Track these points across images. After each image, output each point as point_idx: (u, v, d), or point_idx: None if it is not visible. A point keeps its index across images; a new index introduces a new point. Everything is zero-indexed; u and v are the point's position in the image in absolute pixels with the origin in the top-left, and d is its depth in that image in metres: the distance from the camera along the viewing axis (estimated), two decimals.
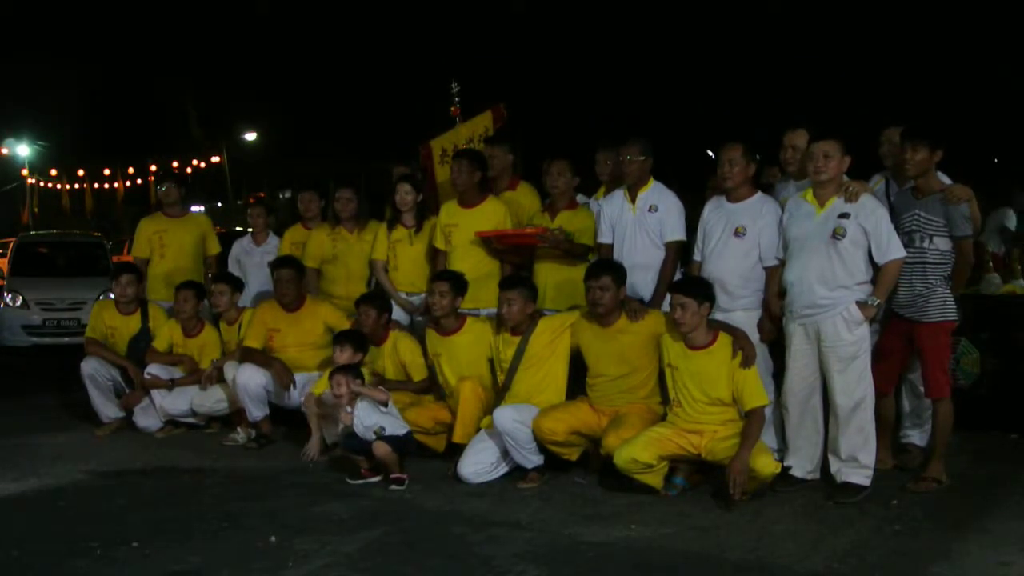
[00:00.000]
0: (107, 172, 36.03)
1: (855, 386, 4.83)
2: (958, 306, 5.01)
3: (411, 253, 6.45)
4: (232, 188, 37.14)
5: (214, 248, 7.62)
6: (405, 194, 6.41)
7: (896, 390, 5.42)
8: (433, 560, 4.08)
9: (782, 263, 5.11)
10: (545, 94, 19.27)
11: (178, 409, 6.62)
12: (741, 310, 5.22)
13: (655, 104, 19.01)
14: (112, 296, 7.19)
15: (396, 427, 5.28)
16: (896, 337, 5.10)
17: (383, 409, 5.27)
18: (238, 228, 17.28)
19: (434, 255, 6.31)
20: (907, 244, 4.90)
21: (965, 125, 15.16)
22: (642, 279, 5.55)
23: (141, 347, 6.81)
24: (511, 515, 4.68)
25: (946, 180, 5.14)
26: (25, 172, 34.29)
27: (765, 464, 4.65)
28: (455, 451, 5.47)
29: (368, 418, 5.25)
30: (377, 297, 6.15)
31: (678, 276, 5.54)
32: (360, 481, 5.29)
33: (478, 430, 5.41)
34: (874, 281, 4.86)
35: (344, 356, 5.54)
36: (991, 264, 6.57)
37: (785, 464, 4.98)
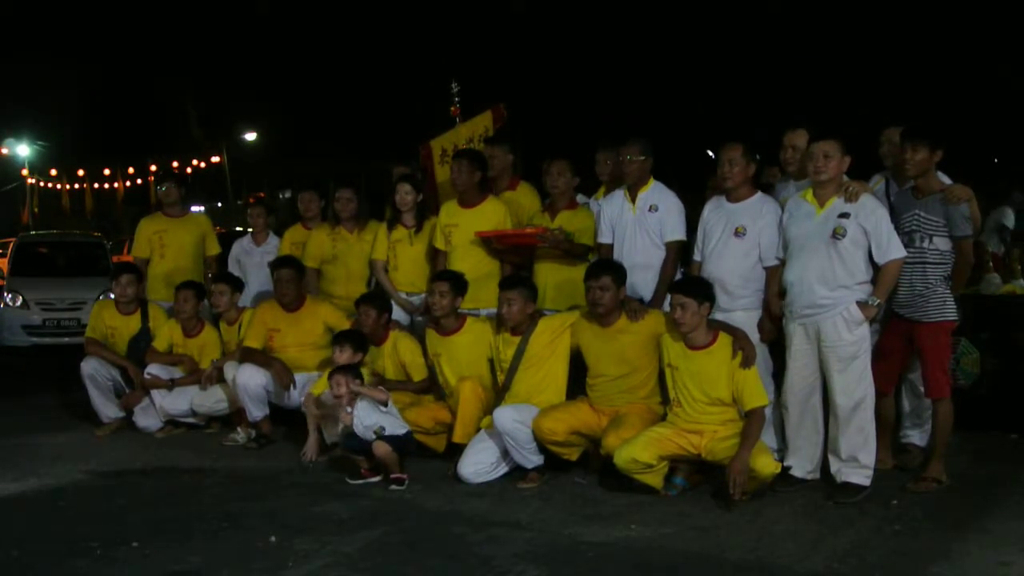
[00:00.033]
0: (107, 172, 36.03)
1: (855, 386, 4.83)
2: (958, 306, 5.01)
3: (411, 253, 6.45)
4: (232, 188, 37.14)
5: (214, 248, 7.62)
6: (405, 194, 6.42)
7: (896, 390, 5.42)
8: (433, 560, 4.08)
9: (782, 263, 5.11)
10: (545, 94, 19.28)
11: (178, 409, 6.62)
12: (741, 310, 5.22)
13: (655, 104, 19.02)
14: (112, 296, 7.19)
15: (396, 427, 5.28)
16: (896, 337, 5.10)
17: (383, 409, 5.27)
18: (238, 228, 17.28)
19: (434, 255, 6.31)
20: (907, 244, 4.90)
21: (965, 125, 15.17)
22: (642, 279, 5.55)
23: (141, 347, 6.81)
24: (511, 515, 4.68)
25: (946, 180, 5.14)
26: (25, 172, 34.30)
27: (765, 464, 4.65)
28: (455, 451, 5.47)
29: (368, 418, 5.25)
30: (377, 297, 6.15)
31: (678, 276, 5.55)
32: (360, 481, 5.29)
33: (478, 430, 5.41)
34: (874, 281, 4.86)
35: (344, 356, 5.54)
36: (991, 264, 6.57)
37: (785, 464, 4.98)
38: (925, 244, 4.95)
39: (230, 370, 6.31)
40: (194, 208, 15.66)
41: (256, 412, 6.25)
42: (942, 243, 4.94)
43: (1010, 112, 16.71)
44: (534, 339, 5.41)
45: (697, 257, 5.46)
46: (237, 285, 6.86)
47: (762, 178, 5.97)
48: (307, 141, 30.49)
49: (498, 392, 5.54)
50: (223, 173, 36.67)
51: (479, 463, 5.27)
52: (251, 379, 6.17)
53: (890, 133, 5.48)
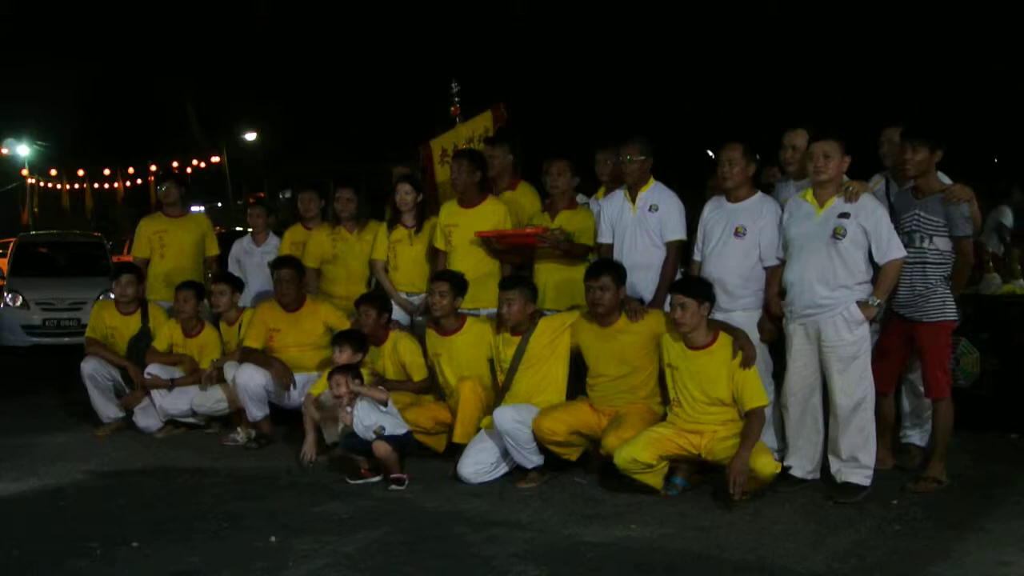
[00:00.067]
0: (107, 172, 36.01)
1: (855, 386, 4.83)
2: (958, 306, 5.01)
3: (411, 253, 6.45)
4: (232, 188, 37.12)
5: (213, 249, 7.62)
6: (405, 194, 6.42)
7: (896, 390, 5.43)
8: (433, 560, 4.08)
9: (782, 263, 5.11)
10: (545, 94, 19.26)
11: (178, 409, 6.62)
12: (741, 310, 5.22)
13: (655, 104, 19.00)
14: (112, 296, 7.19)
15: (396, 427, 5.28)
16: (896, 337, 5.10)
17: (383, 409, 5.27)
18: (238, 228, 17.27)
19: (434, 255, 6.32)
20: (907, 244, 4.90)
21: (965, 125, 15.16)
22: (642, 279, 5.55)
23: (141, 347, 6.81)
24: (511, 515, 4.68)
25: (946, 180, 5.15)
26: (25, 172, 34.30)
27: (765, 464, 4.65)
28: (455, 451, 5.48)
29: (368, 418, 5.25)
30: (377, 297, 6.15)
31: (678, 276, 5.54)
32: (360, 481, 5.29)
33: (478, 430, 5.41)
34: (874, 281, 4.86)
35: (343, 356, 5.54)
36: (991, 264, 6.57)
37: (785, 464, 4.98)
38: (925, 244, 4.95)
39: (230, 370, 6.31)
40: (194, 208, 15.65)
41: (256, 412, 6.25)
42: (942, 243, 4.95)
43: (1010, 112, 16.70)
44: (534, 339, 5.41)
45: (697, 257, 5.46)
46: (237, 285, 6.86)
47: (762, 178, 5.97)
48: (307, 141, 30.44)
49: (498, 392, 5.55)
50: (223, 173, 36.64)
51: (479, 463, 5.27)
52: (251, 379, 6.17)
53: (890, 133, 5.48)
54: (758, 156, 5.38)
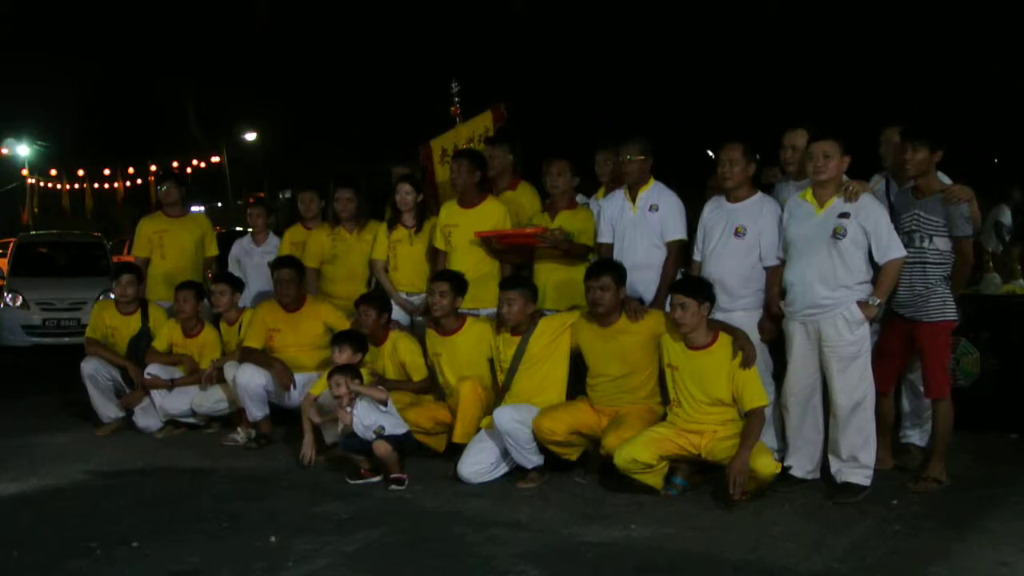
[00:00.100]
0: (107, 172, 36.04)
1: (856, 386, 4.83)
2: (958, 306, 5.01)
3: (411, 253, 6.45)
4: (232, 188, 37.13)
5: (212, 250, 7.62)
6: (405, 194, 6.42)
7: (896, 390, 5.42)
8: (433, 560, 4.08)
9: (782, 263, 5.11)
10: (545, 94, 19.25)
11: (178, 409, 6.62)
12: (741, 310, 5.22)
13: (655, 104, 19.00)
14: (112, 296, 7.19)
15: (396, 426, 5.28)
16: (896, 337, 5.10)
17: (383, 409, 5.27)
18: (238, 228, 17.27)
19: (434, 255, 6.32)
20: (907, 244, 4.90)
21: (965, 125, 15.15)
22: (642, 279, 5.55)
23: (141, 347, 6.81)
24: (511, 515, 4.68)
25: (946, 180, 5.15)
26: (25, 172, 34.31)
27: (765, 464, 4.65)
28: (455, 451, 5.47)
29: (368, 417, 5.25)
30: (377, 297, 6.15)
31: (678, 276, 5.55)
32: (360, 481, 5.29)
33: (478, 430, 5.41)
34: (874, 281, 4.86)
35: (343, 357, 5.54)
36: (991, 264, 6.57)
37: (785, 464, 4.98)
38: (925, 244, 4.95)
39: (230, 370, 6.31)
40: (194, 208, 15.67)
41: (256, 412, 6.25)
42: (942, 243, 4.95)
43: (1010, 112, 16.70)
44: (534, 339, 5.40)
45: (697, 257, 5.46)
46: (237, 285, 6.86)
47: (762, 178, 5.97)
48: (307, 141, 30.44)
49: (498, 392, 5.55)
50: (223, 173, 36.65)
51: (479, 463, 5.27)
52: (251, 379, 6.17)
53: (890, 133, 5.48)
54: (758, 156, 5.38)
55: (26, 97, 28.71)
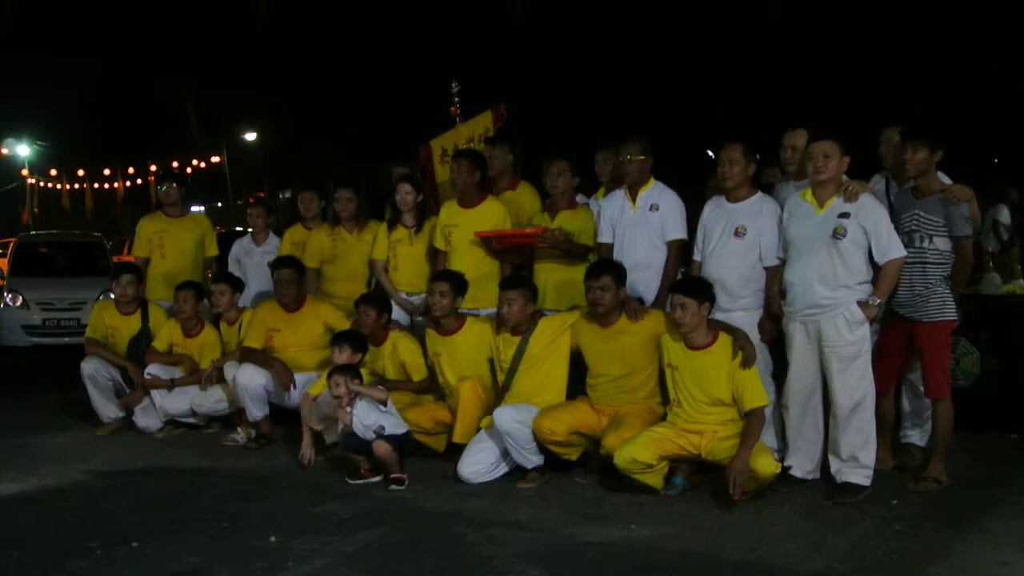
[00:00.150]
0: (107, 172, 36.05)
1: (856, 386, 4.83)
2: (958, 306, 5.01)
3: (411, 253, 6.45)
4: (232, 188, 37.13)
5: (212, 250, 7.62)
6: (405, 194, 6.42)
7: (896, 390, 5.42)
8: (433, 560, 4.08)
9: (783, 263, 5.11)
10: (545, 94, 19.26)
11: (178, 409, 6.62)
12: (741, 310, 5.22)
13: (655, 104, 19.00)
14: (112, 296, 7.19)
15: (395, 426, 5.28)
16: (896, 337, 5.10)
17: (382, 408, 5.27)
18: (238, 228, 17.27)
19: (434, 255, 6.32)
20: (907, 244, 4.90)
21: (965, 125, 15.16)
22: (642, 279, 5.55)
23: (141, 347, 6.81)
24: (511, 515, 4.68)
25: (946, 180, 5.15)
26: (25, 172, 34.31)
27: (765, 464, 4.65)
28: (455, 451, 5.47)
29: (367, 417, 5.25)
30: (377, 297, 6.14)
31: (679, 276, 5.55)
32: (360, 481, 5.29)
33: (478, 430, 5.41)
34: (874, 281, 4.86)
35: (343, 357, 5.53)
36: (991, 264, 6.58)
37: (785, 464, 4.98)
38: (925, 244, 4.95)
39: (230, 370, 6.31)
40: (194, 208, 15.67)
41: (256, 412, 6.25)
42: (942, 243, 4.95)
43: (1010, 112, 16.71)
44: (534, 339, 5.40)
45: (697, 257, 5.46)
46: (237, 285, 6.86)
47: (762, 178, 5.97)
48: (307, 141, 30.44)
49: (498, 392, 5.54)
50: (223, 173, 36.66)
51: (479, 463, 5.27)
52: (251, 379, 6.17)
53: (890, 133, 5.48)
54: (758, 156, 5.38)
55: (26, 97, 28.73)
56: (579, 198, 6.23)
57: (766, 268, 5.21)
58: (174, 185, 7.57)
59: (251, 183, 34.49)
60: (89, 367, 6.68)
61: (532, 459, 5.20)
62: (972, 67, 17.70)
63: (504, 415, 5.16)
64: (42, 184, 36.26)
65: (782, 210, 5.17)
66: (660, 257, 5.62)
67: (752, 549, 4.14)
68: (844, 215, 4.81)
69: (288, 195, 31.26)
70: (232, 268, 7.58)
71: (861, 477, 4.84)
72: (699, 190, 6.33)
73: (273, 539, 4.33)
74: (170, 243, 7.34)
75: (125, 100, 31.92)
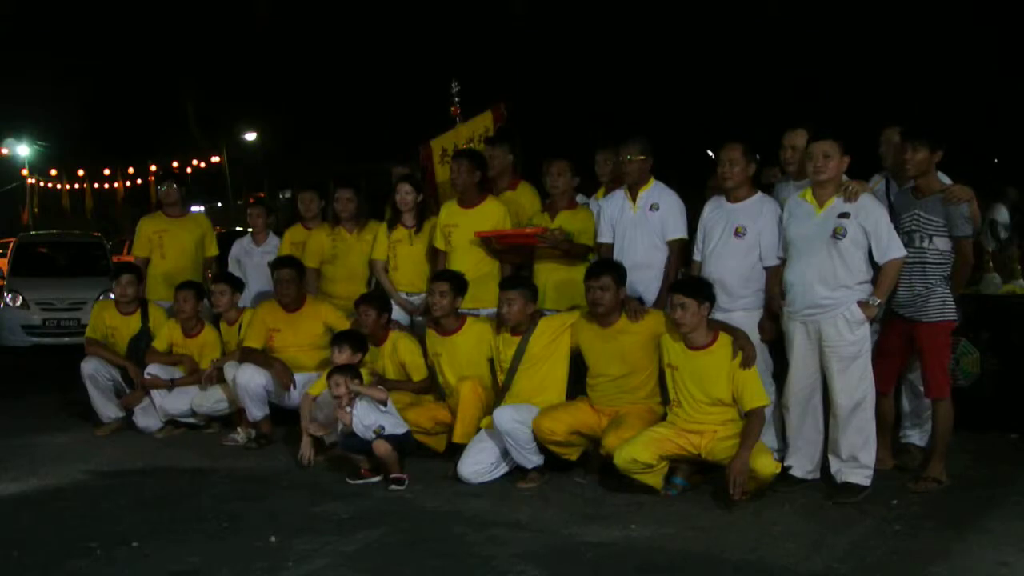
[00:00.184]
0: (107, 172, 36.04)
1: (856, 386, 4.83)
2: (958, 306, 5.01)
3: (411, 253, 6.45)
4: (232, 188, 37.13)
5: (212, 250, 7.62)
6: (405, 194, 6.42)
7: (896, 390, 5.42)
8: (433, 560, 4.08)
9: (783, 263, 5.11)
10: (545, 94, 19.26)
11: (178, 409, 6.62)
12: (741, 310, 5.22)
13: (655, 104, 19.00)
14: (112, 296, 7.20)
15: (395, 426, 5.28)
16: (896, 337, 5.10)
17: (382, 408, 5.27)
18: (238, 228, 17.27)
19: (434, 255, 6.32)
20: (907, 244, 4.90)
21: (965, 125, 15.16)
22: (642, 279, 5.55)
23: (141, 347, 6.81)
24: (511, 515, 4.68)
25: (946, 180, 5.15)
26: (25, 172, 34.31)
27: (765, 464, 4.65)
28: (455, 451, 5.47)
29: (367, 417, 5.25)
30: (377, 297, 6.14)
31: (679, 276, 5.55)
32: (360, 481, 5.29)
33: (478, 430, 5.41)
34: (874, 281, 4.86)
35: (343, 357, 5.53)
36: (991, 264, 6.57)
37: (785, 464, 4.98)
38: (925, 244, 4.95)
39: (230, 370, 6.31)
40: (194, 208, 15.67)
41: (256, 412, 6.25)
42: (942, 243, 4.95)
43: (1010, 112, 16.71)
44: (534, 339, 5.40)
45: (697, 257, 5.46)
46: (237, 285, 6.86)
47: (762, 178, 5.97)
48: (307, 141, 30.45)
49: (498, 392, 5.55)
50: (223, 173, 36.65)
51: (479, 463, 5.27)
52: (251, 379, 6.17)
53: (890, 133, 5.48)
54: (758, 156, 5.38)
55: (26, 97, 28.73)
56: (579, 198, 6.23)
57: (766, 268, 5.21)
58: (174, 185, 7.57)
59: (251, 183, 34.49)
60: (89, 367, 6.68)
61: (532, 459, 5.20)
62: (972, 67, 17.70)
63: (504, 415, 5.16)
64: (42, 184, 36.26)
65: (782, 210, 5.17)
66: (660, 257, 5.62)
67: (752, 549, 4.14)
68: (844, 215, 4.81)
69: (288, 195, 31.26)
70: (232, 268, 7.58)
71: (861, 477, 4.84)
72: (699, 190, 6.33)
73: (273, 539, 4.33)
74: (170, 243, 7.34)
75: (125, 100, 31.92)
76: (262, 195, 27.00)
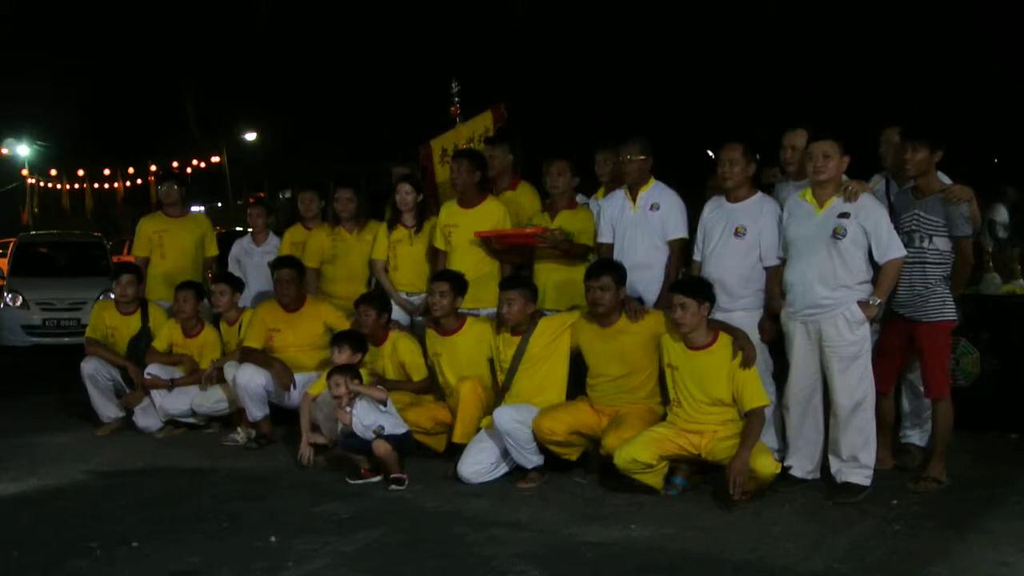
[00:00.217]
0: (107, 172, 36.04)
1: (856, 386, 4.83)
2: (958, 306, 5.01)
3: (411, 253, 6.45)
4: (232, 188, 37.12)
5: (212, 250, 7.62)
6: (405, 194, 6.42)
7: (896, 390, 5.42)
8: (433, 560, 4.08)
9: (783, 263, 5.10)
10: (545, 94, 19.25)
11: (178, 409, 6.62)
12: (741, 310, 5.22)
13: (655, 104, 19.00)
14: (112, 296, 7.20)
15: (395, 426, 5.28)
16: (896, 337, 5.10)
17: (382, 408, 5.27)
18: (238, 228, 17.27)
19: (434, 255, 6.32)
20: (907, 244, 4.90)
21: (965, 125, 15.15)
22: (642, 279, 5.55)
23: (141, 347, 6.81)
24: (511, 515, 4.68)
25: (946, 180, 5.15)
26: (25, 172, 34.31)
27: (765, 464, 4.65)
28: (455, 451, 5.47)
29: (367, 417, 5.25)
30: (377, 297, 6.15)
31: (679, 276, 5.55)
32: (360, 481, 5.29)
33: (478, 430, 5.41)
34: (874, 281, 4.86)
35: (342, 357, 5.53)
36: (991, 264, 6.57)
37: (785, 464, 4.98)
38: (925, 244, 4.95)
39: (230, 370, 6.31)
40: (194, 208, 15.67)
41: (256, 412, 6.25)
42: (942, 243, 4.95)
43: (1010, 112, 16.71)
44: (534, 339, 5.40)
45: (697, 257, 5.46)
46: (237, 285, 6.86)
47: (762, 178, 5.97)
48: (307, 141, 30.45)
49: (498, 392, 5.55)
50: (223, 173, 36.65)
51: (479, 463, 5.27)
52: (251, 379, 6.17)
53: (890, 133, 5.48)
54: (758, 156, 5.38)
55: (26, 97, 28.73)
56: (579, 198, 6.23)
57: (766, 268, 5.21)
58: (174, 185, 7.57)
59: (251, 183, 34.49)
60: (89, 367, 6.68)
61: (532, 459, 5.20)
62: (972, 67, 17.70)
63: (504, 415, 5.16)
64: (42, 184, 36.27)
65: (782, 210, 5.17)
66: (660, 257, 5.62)
67: (752, 549, 4.14)
68: (844, 215, 4.81)
69: (288, 195, 31.27)
70: (232, 268, 7.58)
71: (861, 477, 4.84)
72: (699, 190, 6.33)
73: (273, 539, 4.33)
74: (170, 243, 7.34)
75: (125, 100, 31.93)
76: (262, 195, 27.00)
